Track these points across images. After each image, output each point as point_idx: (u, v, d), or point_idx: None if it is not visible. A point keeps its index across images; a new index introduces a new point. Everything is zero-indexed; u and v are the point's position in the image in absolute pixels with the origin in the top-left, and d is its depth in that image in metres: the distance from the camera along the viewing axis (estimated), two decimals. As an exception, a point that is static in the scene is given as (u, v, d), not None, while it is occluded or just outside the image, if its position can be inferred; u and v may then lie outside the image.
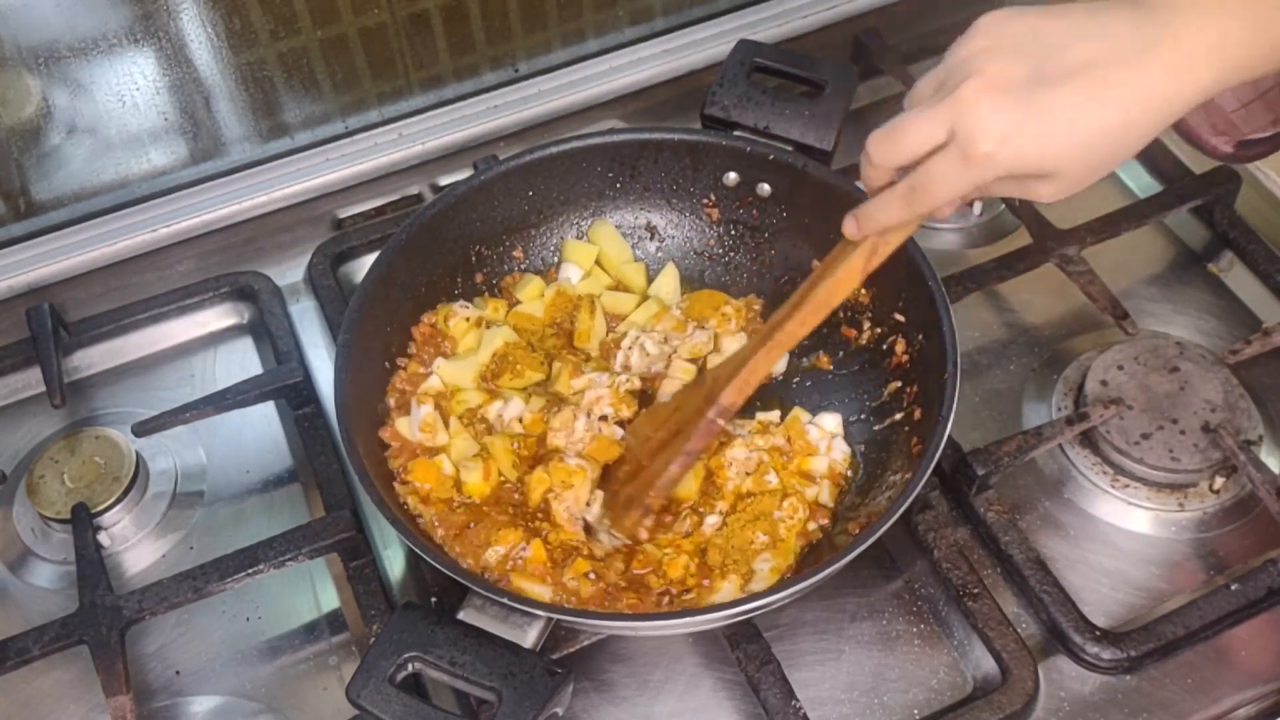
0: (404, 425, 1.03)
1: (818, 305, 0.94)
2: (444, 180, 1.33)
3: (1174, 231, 1.25)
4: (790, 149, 1.10)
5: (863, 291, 1.10)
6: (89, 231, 1.29)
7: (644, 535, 0.99)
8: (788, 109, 1.11)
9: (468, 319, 1.10)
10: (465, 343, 1.10)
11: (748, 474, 1.02)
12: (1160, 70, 0.73)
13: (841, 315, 1.11)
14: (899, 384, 1.05)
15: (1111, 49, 0.73)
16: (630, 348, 1.10)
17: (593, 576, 0.95)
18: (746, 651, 0.95)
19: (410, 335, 1.09)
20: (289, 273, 1.26)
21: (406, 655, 0.83)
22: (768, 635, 0.96)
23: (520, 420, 1.05)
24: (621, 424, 1.06)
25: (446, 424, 1.04)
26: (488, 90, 1.39)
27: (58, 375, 1.13)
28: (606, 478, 1.03)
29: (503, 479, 1.01)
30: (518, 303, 1.14)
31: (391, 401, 1.05)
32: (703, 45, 1.42)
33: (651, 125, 1.35)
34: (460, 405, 1.05)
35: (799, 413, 1.07)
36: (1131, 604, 1.00)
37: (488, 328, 1.11)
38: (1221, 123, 0.89)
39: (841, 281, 0.92)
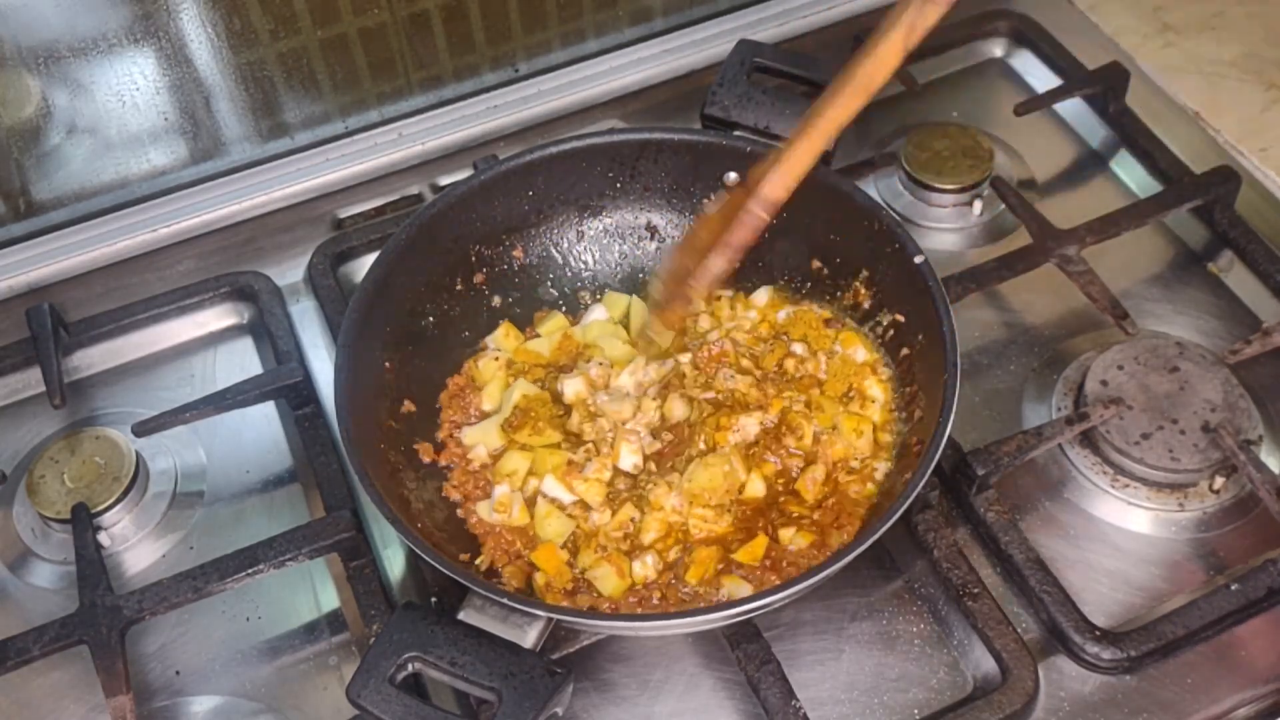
0: (484, 509, 1.04)
1: (858, 88, 0.93)
2: (444, 180, 1.33)
3: (1174, 231, 1.25)
4: (790, 149, 1.10)
5: (863, 292, 1.10)
6: (89, 231, 1.29)
7: (679, 326, 1.03)
8: (788, 109, 1.11)
9: (496, 358, 1.12)
10: (490, 391, 1.10)
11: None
12: None
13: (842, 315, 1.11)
14: (899, 384, 1.05)
15: None
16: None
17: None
18: (746, 651, 0.95)
19: (409, 336, 1.09)
20: (289, 273, 1.26)
21: (406, 655, 0.83)
22: (768, 635, 0.96)
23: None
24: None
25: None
26: (488, 90, 1.39)
27: (58, 375, 1.13)
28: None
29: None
30: (536, 335, 1.15)
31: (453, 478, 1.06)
32: (703, 45, 1.42)
33: (651, 125, 1.35)
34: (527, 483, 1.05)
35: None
36: (1131, 604, 1.00)
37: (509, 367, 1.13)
38: None
39: (882, 60, 0.91)
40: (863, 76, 0.92)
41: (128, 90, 1.23)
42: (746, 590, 0.95)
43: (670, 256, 1.05)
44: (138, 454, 1.11)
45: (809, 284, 1.14)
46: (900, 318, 1.06)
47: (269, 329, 1.19)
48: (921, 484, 0.88)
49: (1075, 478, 1.07)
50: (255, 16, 1.23)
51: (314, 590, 1.05)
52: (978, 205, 1.27)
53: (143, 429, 1.09)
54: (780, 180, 0.95)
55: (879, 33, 0.91)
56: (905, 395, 1.05)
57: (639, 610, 0.96)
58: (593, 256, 1.19)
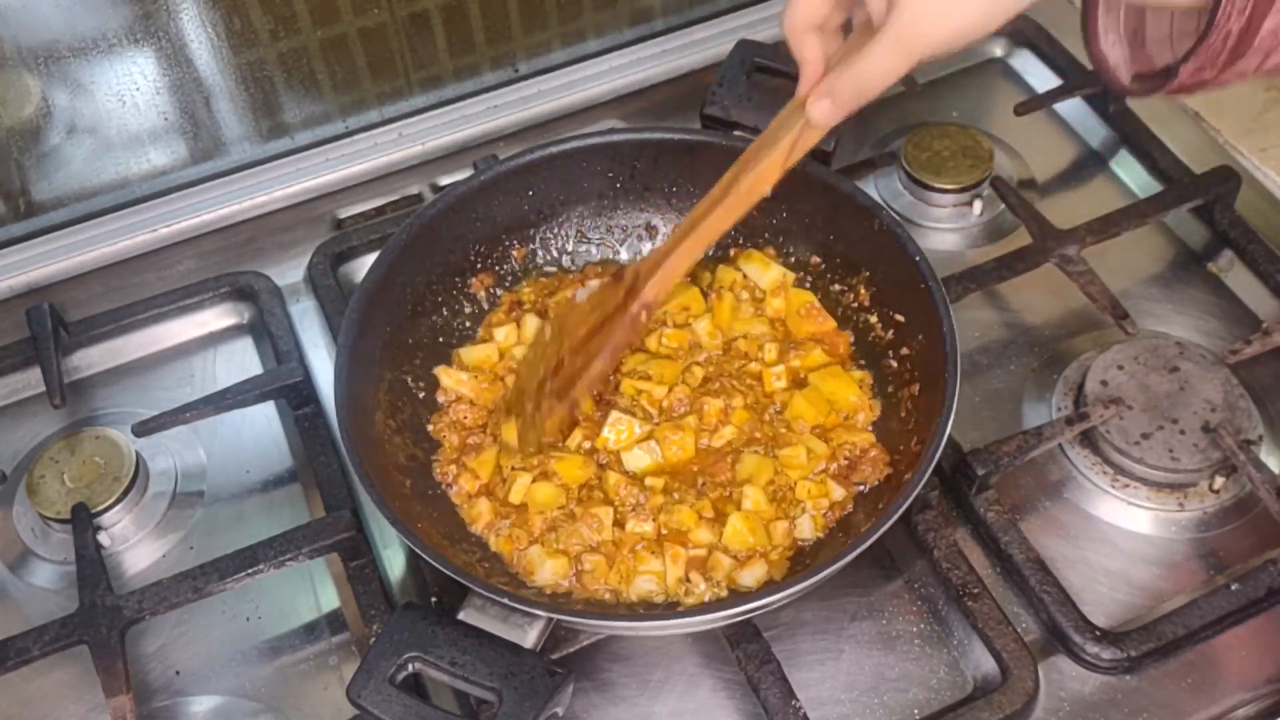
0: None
1: (740, 200, 0.94)
2: (444, 180, 1.33)
3: (1174, 231, 1.25)
4: (790, 149, 1.10)
5: (863, 292, 1.10)
6: (89, 231, 1.29)
7: (560, 436, 1.03)
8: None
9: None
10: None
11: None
12: None
13: (842, 316, 1.11)
14: (899, 384, 1.05)
15: None
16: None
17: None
18: (746, 651, 0.95)
19: (410, 336, 1.09)
20: (289, 273, 1.26)
21: (406, 655, 0.83)
22: (768, 635, 0.96)
23: None
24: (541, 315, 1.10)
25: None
26: (488, 90, 1.39)
27: (58, 375, 1.13)
28: (519, 389, 1.05)
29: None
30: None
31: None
32: (703, 45, 1.42)
33: (651, 125, 1.35)
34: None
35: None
36: (1131, 604, 1.00)
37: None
38: (1138, 57, 0.88)
39: (763, 177, 0.91)
40: (745, 189, 0.93)
41: (128, 90, 1.23)
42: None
43: (530, 363, 1.05)
44: (138, 454, 1.11)
45: (809, 282, 1.14)
46: (900, 318, 1.06)
47: (269, 329, 1.19)
48: (921, 484, 0.89)
49: (1075, 478, 1.07)
50: (255, 16, 1.23)
51: (314, 590, 1.05)
52: (978, 205, 1.27)
53: (143, 429, 1.09)
54: (663, 285, 0.98)
55: (761, 147, 0.92)
56: (896, 402, 1.05)
57: (637, 610, 0.96)
58: (592, 256, 1.19)
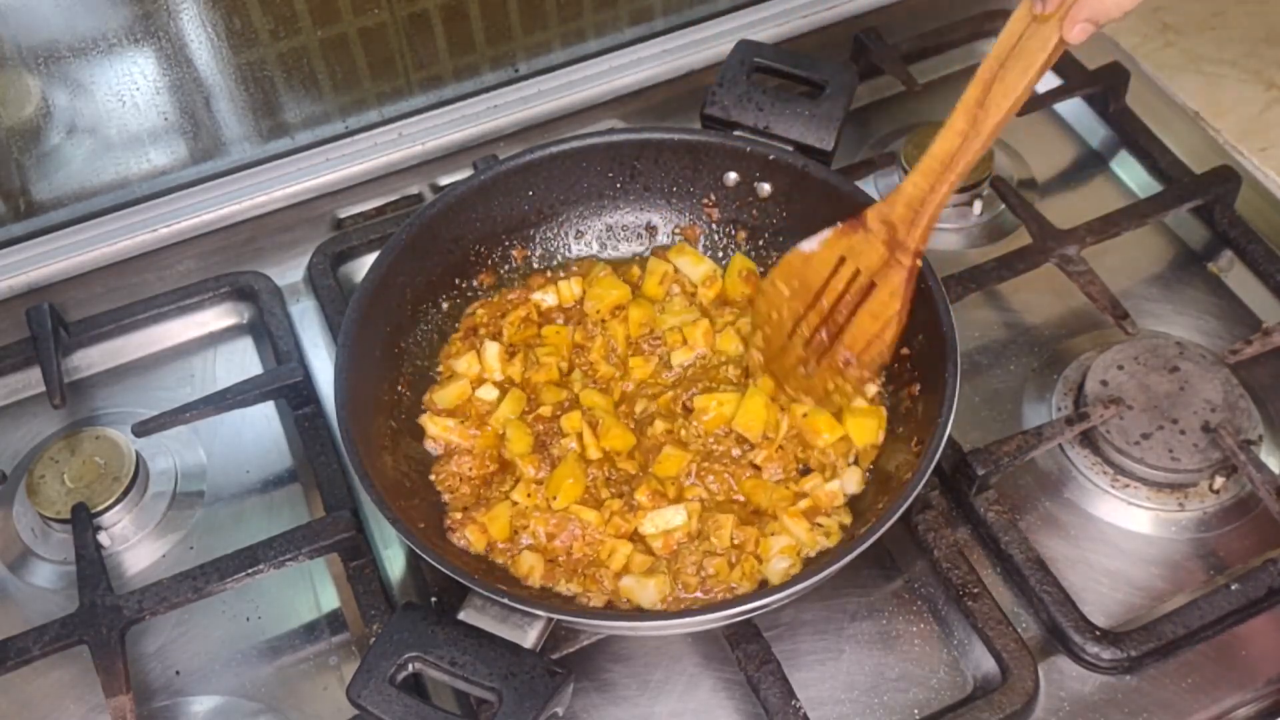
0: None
1: (994, 126, 0.90)
2: (444, 180, 1.33)
3: (1174, 231, 1.25)
4: (790, 149, 1.10)
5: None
6: (89, 231, 1.29)
7: (861, 394, 1.01)
8: (788, 109, 1.11)
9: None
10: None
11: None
12: None
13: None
14: (899, 384, 1.05)
15: None
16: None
17: None
18: (746, 651, 0.94)
19: (410, 335, 1.09)
20: (289, 273, 1.26)
21: (407, 655, 0.83)
22: (768, 635, 0.96)
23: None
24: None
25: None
26: (488, 90, 1.39)
27: (58, 375, 1.13)
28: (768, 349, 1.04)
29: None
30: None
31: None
32: (703, 45, 1.42)
33: (651, 125, 1.35)
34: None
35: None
36: (1131, 604, 1.00)
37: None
38: None
39: (1019, 99, 0.89)
40: (998, 118, 0.90)
41: (128, 90, 1.23)
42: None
43: (772, 321, 1.03)
44: (138, 454, 1.11)
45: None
46: (900, 318, 1.06)
47: (269, 329, 1.19)
48: (921, 484, 0.89)
49: (1075, 478, 1.07)
50: (255, 16, 1.22)
51: (314, 590, 1.05)
52: (978, 205, 1.27)
53: (143, 429, 1.09)
54: (926, 231, 0.96)
55: (1001, 66, 0.89)
56: (895, 402, 1.05)
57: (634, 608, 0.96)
58: (593, 257, 1.19)
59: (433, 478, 1.03)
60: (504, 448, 1.04)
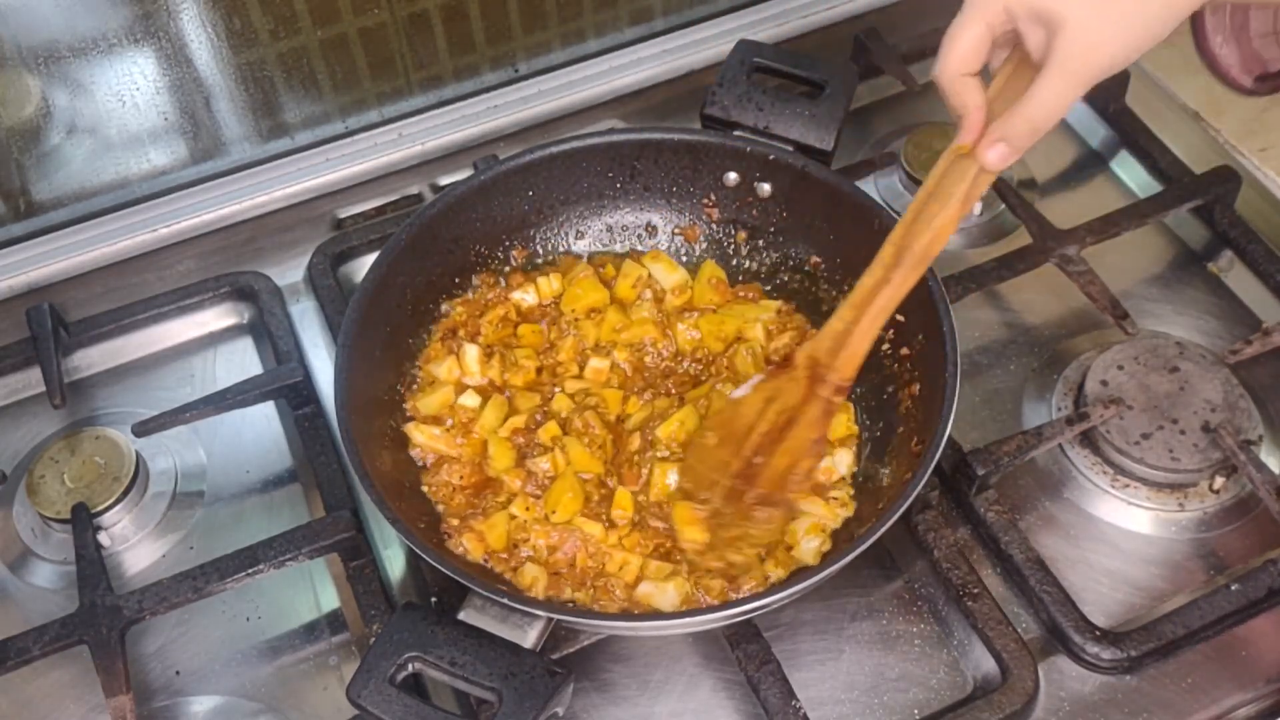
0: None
1: (917, 262, 0.91)
2: (444, 180, 1.33)
3: (1174, 231, 1.25)
4: (790, 149, 1.10)
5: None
6: (89, 231, 1.29)
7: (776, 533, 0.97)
8: (788, 109, 1.11)
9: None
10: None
11: None
12: None
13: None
14: (899, 384, 1.05)
15: None
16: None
17: None
18: (746, 651, 0.95)
19: (410, 335, 1.09)
20: (289, 273, 1.26)
21: (406, 655, 0.83)
22: (768, 635, 0.96)
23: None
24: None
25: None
26: (488, 90, 1.39)
27: (58, 375, 1.13)
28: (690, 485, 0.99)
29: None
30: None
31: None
32: (703, 45, 1.42)
33: (651, 125, 1.35)
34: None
35: None
36: (1131, 604, 1.00)
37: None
38: (1248, 56, 0.89)
39: (940, 234, 0.90)
40: (921, 251, 0.90)
41: (128, 90, 1.23)
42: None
43: (697, 469, 0.99)
44: (138, 454, 1.11)
45: (809, 283, 1.14)
46: (900, 318, 1.06)
47: (269, 329, 1.19)
48: (921, 484, 0.88)
49: (1075, 478, 1.07)
50: (255, 16, 1.22)
51: (314, 590, 1.05)
52: (978, 205, 1.27)
53: (143, 429, 1.09)
54: (852, 366, 0.96)
55: (927, 202, 0.89)
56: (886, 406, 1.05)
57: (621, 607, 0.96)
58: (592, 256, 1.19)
59: (424, 489, 1.02)
60: (486, 465, 1.03)
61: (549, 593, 0.96)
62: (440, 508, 1.02)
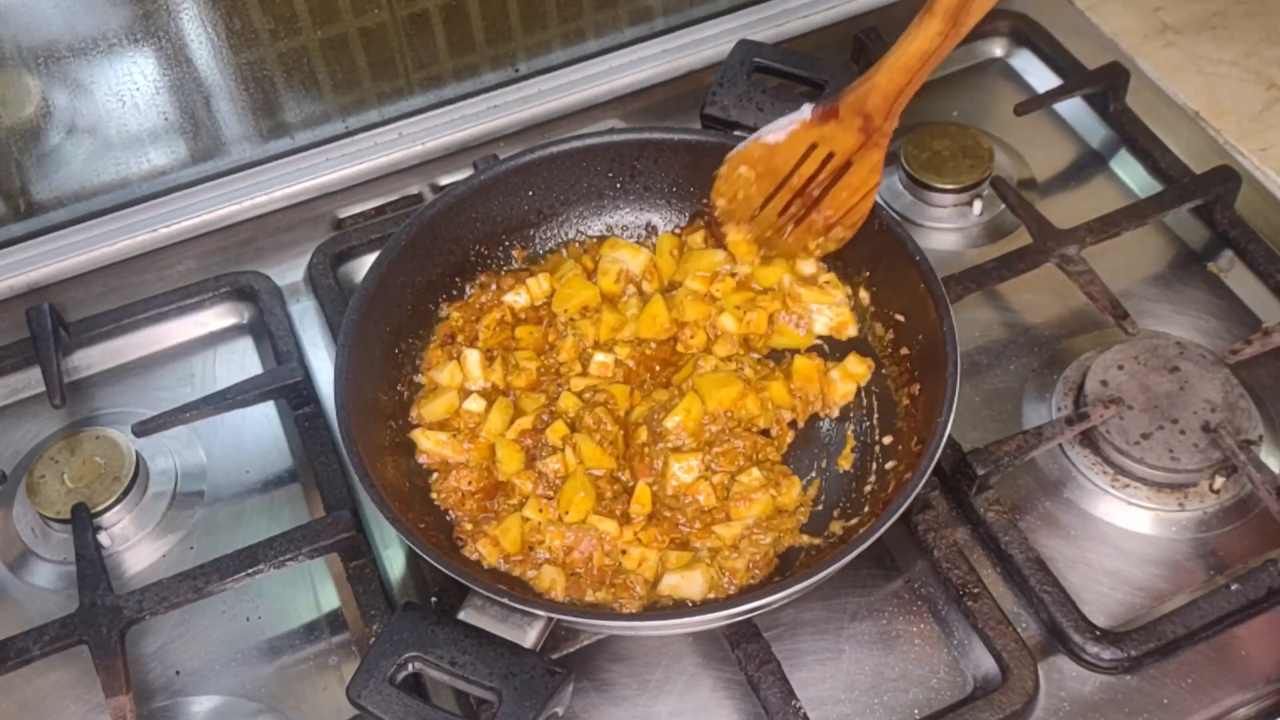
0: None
1: (969, 16, 0.94)
2: (444, 180, 1.33)
3: (1174, 231, 1.25)
4: (790, 149, 1.10)
5: (863, 292, 1.10)
6: (89, 231, 1.29)
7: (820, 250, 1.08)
8: (788, 109, 1.10)
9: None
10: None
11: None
12: None
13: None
14: (899, 384, 1.05)
15: None
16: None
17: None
18: (746, 651, 0.95)
19: (409, 335, 1.09)
20: (289, 273, 1.26)
21: (407, 655, 0.83)
22: (768, 635, 0.96)
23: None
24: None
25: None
26: (488, 90, 1.39)
27: (58, 375, 1.13)
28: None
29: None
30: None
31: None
32: (703, 45, 1.42)
33: (651, 125, 1.35)
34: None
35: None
36: (1131, 604, 1.00)
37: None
38: None
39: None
40: (976, 10, 0.93)
41: (128, 90, 1.23)
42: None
43: (738, 196, 1.09)
44: (138, 454, 1.11)
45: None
46: (900, 318, 1.06)
47: (269, 329, 1.19)
48: (921, 484, 0.89)
49: (1075, 478, 1.07)
50: (255, 16, 1.23)
51: (314, 590, 1.05)
52: (978, 205, 1.27)
53: (143, 429, 1.09)
54: (897, 115, 1.01)
55: None
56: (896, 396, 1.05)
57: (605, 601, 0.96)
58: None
59: (434, 496, 1.02)
60: (496, 469, 1.03)
61: (569, 594, 0.96)
62: (452, 515, 1.01)
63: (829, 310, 1.10)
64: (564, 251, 1.18)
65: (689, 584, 0.95)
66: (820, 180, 1.05)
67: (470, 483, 1.02)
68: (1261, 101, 1.34)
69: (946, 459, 1.04)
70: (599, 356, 1.08)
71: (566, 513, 0.98)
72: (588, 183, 1.16)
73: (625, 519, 0.99)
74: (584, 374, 1.08)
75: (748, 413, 1.04)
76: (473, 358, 1.08)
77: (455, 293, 1.13)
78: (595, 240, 1.18)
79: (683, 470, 1.00)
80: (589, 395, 1.06)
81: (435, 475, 1.03)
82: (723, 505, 1.00)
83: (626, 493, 1.01)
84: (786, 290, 1.11)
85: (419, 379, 1.09)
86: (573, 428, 1.04)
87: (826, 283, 1.12)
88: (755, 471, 1.01)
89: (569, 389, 1.07)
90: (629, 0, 1.40)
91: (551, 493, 1.01)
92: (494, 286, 1.14)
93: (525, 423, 1.05)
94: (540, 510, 0.99)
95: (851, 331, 1.10)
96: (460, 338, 1.11)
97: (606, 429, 1.03)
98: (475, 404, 1.06)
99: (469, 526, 1.00)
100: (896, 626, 1.00)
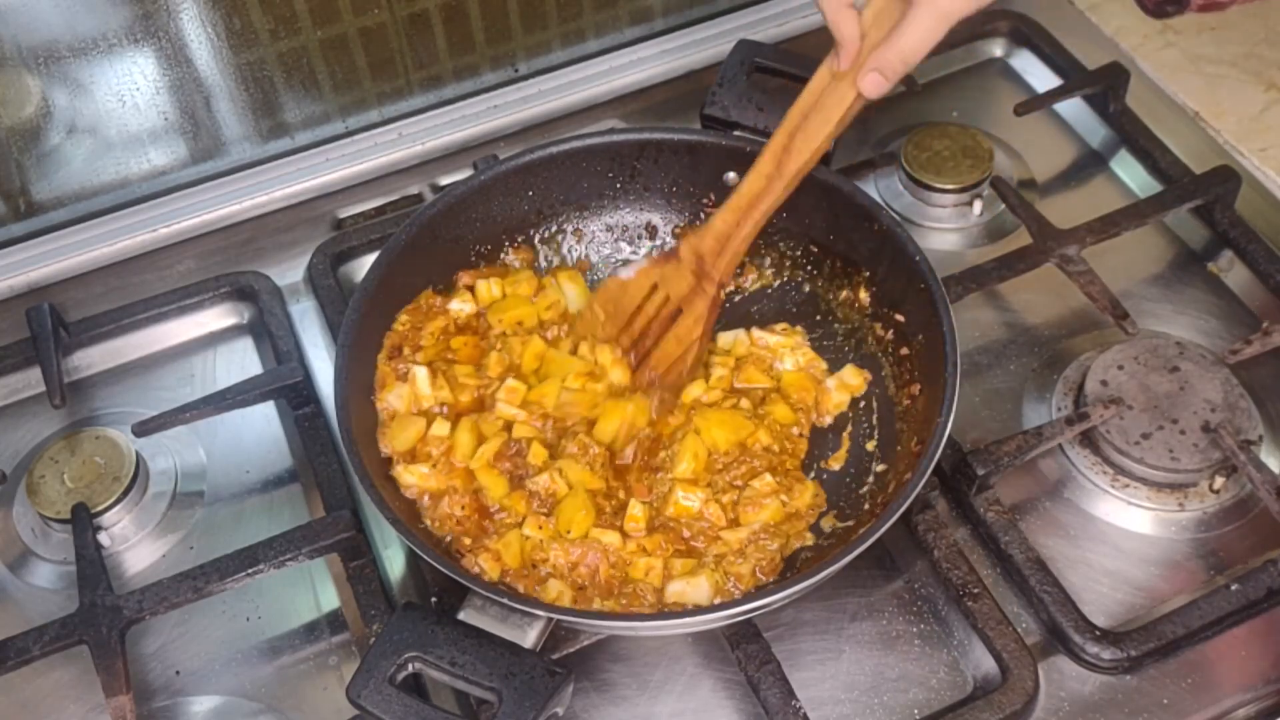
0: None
1: (796, 173, 0.99)
2: (444, 180, 1.33)
3: (1174, 231, 1.25)
4: (790, 149, 1.10)
5: (863, 292, 1.10)
6: (89, 231, 1.29)
7: (662, 414, 1.05)
8: (787, 109, 1.10)
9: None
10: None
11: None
12: None
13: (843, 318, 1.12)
14: (899, 384, 1.05)
15: None
16: None
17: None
18: (746, 651, 0.94)
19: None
20: (289, 273, 1.26)
21: (406, 655, 0.83)
22: (768, 635, 0.96)
23: None
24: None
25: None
26: (488, 90, 1.39)
27: (58, 375, 1.13)
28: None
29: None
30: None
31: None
32: (703, 45, 1.42)
33: (651, 125, 1.35)
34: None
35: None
36: (1131, 604, 1.00)
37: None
38: None
39: (818, 149, 0.98)
40: (800, 164, 0.99)
41: (128, 90, 1.23)
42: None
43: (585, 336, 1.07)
44: (138, 454, 1.11)
45: (808, 284, 1.14)
46: (900, 318, 1.06)
47: (269, 329, 1.19)
48: (921, 484, 0.89)
49: (1075, 478, 1.07)
50: (255, 16, 1.23)
51: (314, 590, 1.05)
52: (978, 205, 1.27)
53: (143, 429, 1.09)
54: (730, 267, 1.04)
55: (805, 116, 0.98)
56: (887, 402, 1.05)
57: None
58: (592, 257, 1.19)
59: (427, 524, 0.99)
60: (482, 495, 1.00)
61: (576, 606, 0.95)
62: (449, 537, 0.99)
63: (793, 356, 1.09)
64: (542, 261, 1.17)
65: (695, 590, 0.95)
66: (653, 328, 1.06)
67: (462, 507, 1.00)
68: (1261, 101, 1.34)
69: (946, 459, 1.04)
70: (510, 382, 1.05)
71: (568, 531, 0.97)
72: (588, 183, 1.16)
73: (626, 533, 0.99)
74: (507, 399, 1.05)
75: (761, 444, 1.03)
76: (420, 375, 1.05)
77: (456, 292, 1.13)
78: (564, 267, 1.17)
79: (687, 499, 0.99)
80: (558, 423, 1.04)
81: (426, 502, 1.00)
82: (731, 511, 1.00)
83: (624, 506, 1.00)
84: (744, 354, 1.10)
85: (373, 398, 1.05)
86: (552, 452, 1.02)
87: (782, 330, 1.11)
88: (767, 477, 1.00)
89: (521, 413, 1.04)
90: (629, 0, 1.40)
91: (547, 509, 0.99)
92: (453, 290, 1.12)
93: (492, 448, 1.02)
94: (540, 527, 0.98)
95: (823, 365, 1.09)
96: (406, 348, 1.07)
97: (593, 452, 1.01)
98: (440, 429, 1.02)
99: (468, 541, 0.98)
100: (896, 626, 1.00)
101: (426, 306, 1.10)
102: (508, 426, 1.04)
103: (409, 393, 1.05)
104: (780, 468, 1.02)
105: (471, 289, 1.12)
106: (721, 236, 1.02)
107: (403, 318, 1.09)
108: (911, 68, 0.91)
